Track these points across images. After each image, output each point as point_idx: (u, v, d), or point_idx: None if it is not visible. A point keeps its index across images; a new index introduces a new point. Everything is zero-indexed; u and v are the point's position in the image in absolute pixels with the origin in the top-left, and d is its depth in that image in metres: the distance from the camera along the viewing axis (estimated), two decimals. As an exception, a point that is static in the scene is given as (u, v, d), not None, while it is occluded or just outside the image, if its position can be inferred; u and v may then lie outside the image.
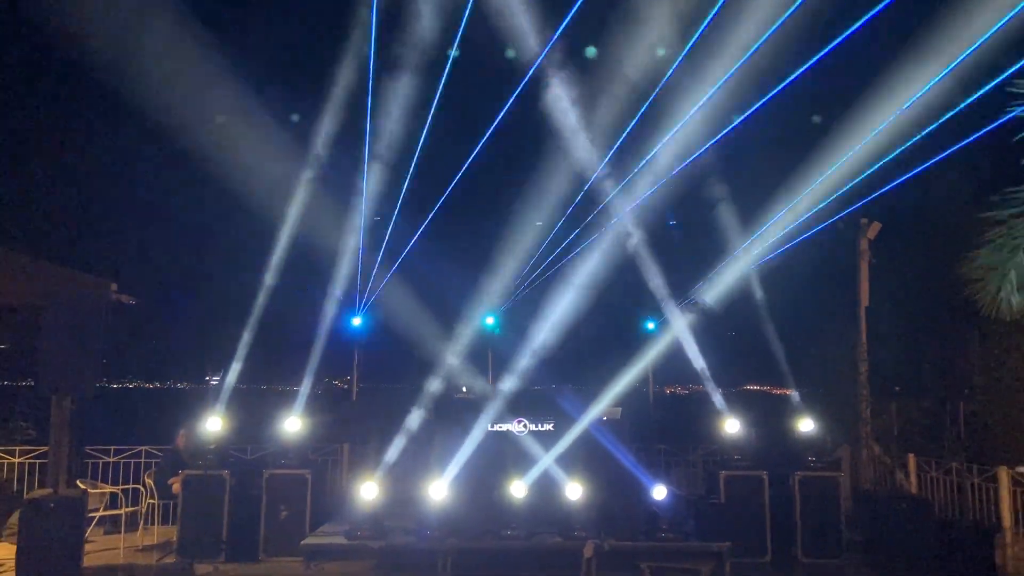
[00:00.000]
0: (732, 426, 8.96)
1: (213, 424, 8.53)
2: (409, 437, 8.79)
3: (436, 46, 7.79)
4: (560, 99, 8.27)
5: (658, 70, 7.90)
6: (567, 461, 8.47)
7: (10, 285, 7.83)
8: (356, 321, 10.35)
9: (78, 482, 8.70)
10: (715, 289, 9.89)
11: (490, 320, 10.74)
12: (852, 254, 9.64)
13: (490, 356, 10.72)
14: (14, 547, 7.30)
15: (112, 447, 9.85)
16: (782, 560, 8.12)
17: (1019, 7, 5.55)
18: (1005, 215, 6.92)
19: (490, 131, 8.64)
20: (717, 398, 9.21)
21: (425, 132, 8.58)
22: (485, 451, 8.57)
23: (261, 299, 9.34)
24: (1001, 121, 6.15)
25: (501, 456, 8.64)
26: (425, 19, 7.66)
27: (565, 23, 7.12)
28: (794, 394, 9.34)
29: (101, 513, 8.57)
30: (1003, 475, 7.66)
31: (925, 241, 10.13)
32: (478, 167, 9.30)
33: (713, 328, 10.05)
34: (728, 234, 9.85)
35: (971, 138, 6.61)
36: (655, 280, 9.74)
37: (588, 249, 10.08)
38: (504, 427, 8.89)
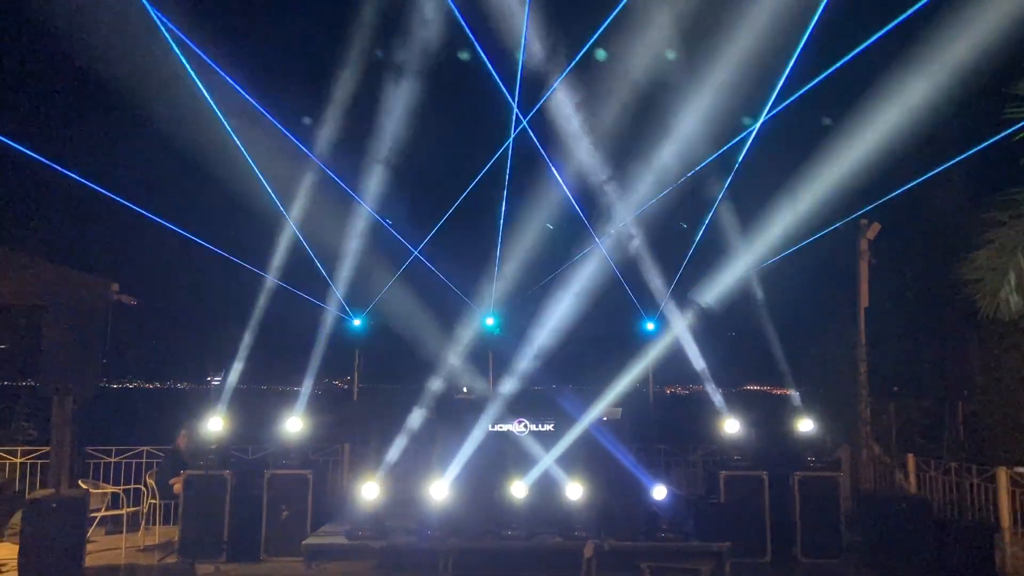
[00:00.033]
0: (732, 426, 8.97)
1: (214, 424, 8.55)
2: (410, 437, 8.81)
3: (439, 48, 7.82)
4: (565, 102, 8.29)
5: (663, 72, 7.92)
6: (567, 461, 8.49)
7: (10, 285, 7.86)
8: (357, 322, 10.38)
9: (80, 482, 8.73)
10: (715, 289, 9.90)
11: (490, 321, 10.75)
12: (852, 255, 9.66)
13: (491, 357, 10.73)
14: (16, 547, 7.32)
15: (113, 447, 9.86)
16: (782, 560, 8.14)
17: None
18: (1004, 216, 6.95)
19: (493, 133, 8.66)
20: (717, 398, 9.23)
21: (428, 133, 8.60)
22: (486, 451, 8.59)
23: (262, 299, 9.36)
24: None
25: (502, 456, 8.66)
26: (426, 20, 7.68)
27: (570, 27, 7.14)
28: (794, 394, 9.36)
29: (103, 513, 8.59)
30: (1002, 475, 7.67)
31: (925, 242, 10.14)
32: (480, 168, 9.31)
33: (713, 328, 10.07)
34: (728, 234, 9.86)
35: (970, 151, 6.62)
36: (656, 281, 9.77)
37: (590, 250, 10.08)
38: (505, 427, 8.90)
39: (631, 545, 7.62)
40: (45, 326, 7.67)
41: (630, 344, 10.47)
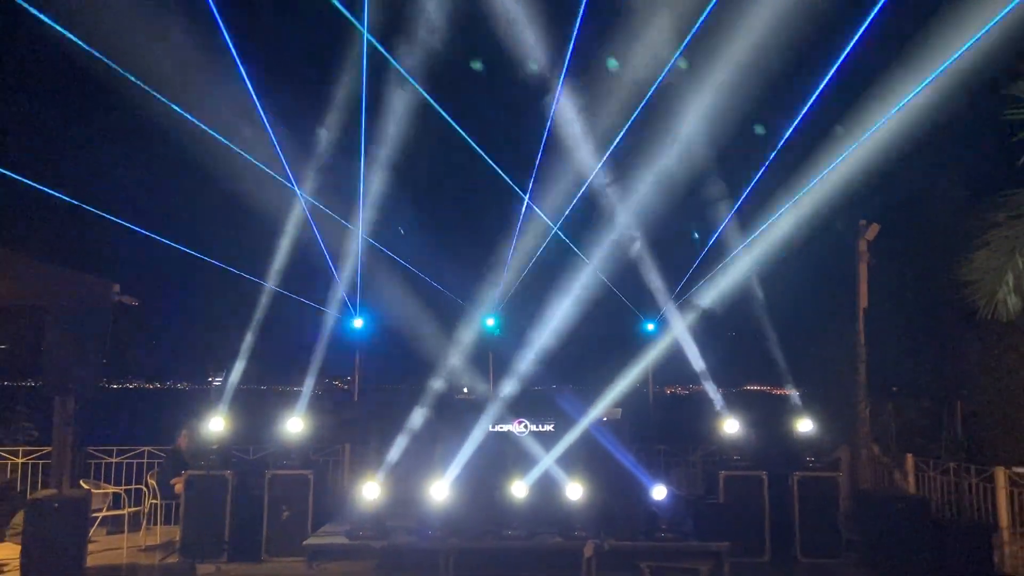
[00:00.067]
0: (732, 426, 9.00)
1: (215, 424, 8.58)
2: (411, 437, 8.83)
3: (440, 50, 7.83)
4: (567, 106, 8.31)
5: (670, 78, 7.93)
6: (567, 461, 8.50)
7: (11, 285, 7.86)
8: (357, 323, 10.39)
9: (81, 482, 8.75)
10: (716, 290, 9.92)
11: (491, 321, 10.77)
12: (851, 255, 9.67)
13: (491, 357, 10.75)
14: (18, 547, 7.35)
15: (114, 447, 9.87)
16: (781, 560, 8.16)
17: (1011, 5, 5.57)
18: (1003, 217, 6.96)
19: (494, 134, 8.67)
20: (717, 398, 9.25)
21: (429, 134, 8.61)
22: (486, 451, 8.61)
23: (263, 300, 9.38)
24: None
25: (502, 456, 8.67)
26: (426, 23, 7.69)
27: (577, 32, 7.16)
28: (793, 394, 9.38)
29: (104, 513, 8.62)
30: (1000, 475, 7.69)
31: (923, 243, 10.15)
32: (481, 168, 9.33)
33: (713, 328, 10.09)
34: (728, 235, 9.88)
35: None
36: (656, 282, 9.78)
37: (592, 250, 10.10)
38: (505, 428, 8.92)
39: (631, 545, 7.64)
40: (46, 326, 7.68)
41: (630, 344, 10.49)
